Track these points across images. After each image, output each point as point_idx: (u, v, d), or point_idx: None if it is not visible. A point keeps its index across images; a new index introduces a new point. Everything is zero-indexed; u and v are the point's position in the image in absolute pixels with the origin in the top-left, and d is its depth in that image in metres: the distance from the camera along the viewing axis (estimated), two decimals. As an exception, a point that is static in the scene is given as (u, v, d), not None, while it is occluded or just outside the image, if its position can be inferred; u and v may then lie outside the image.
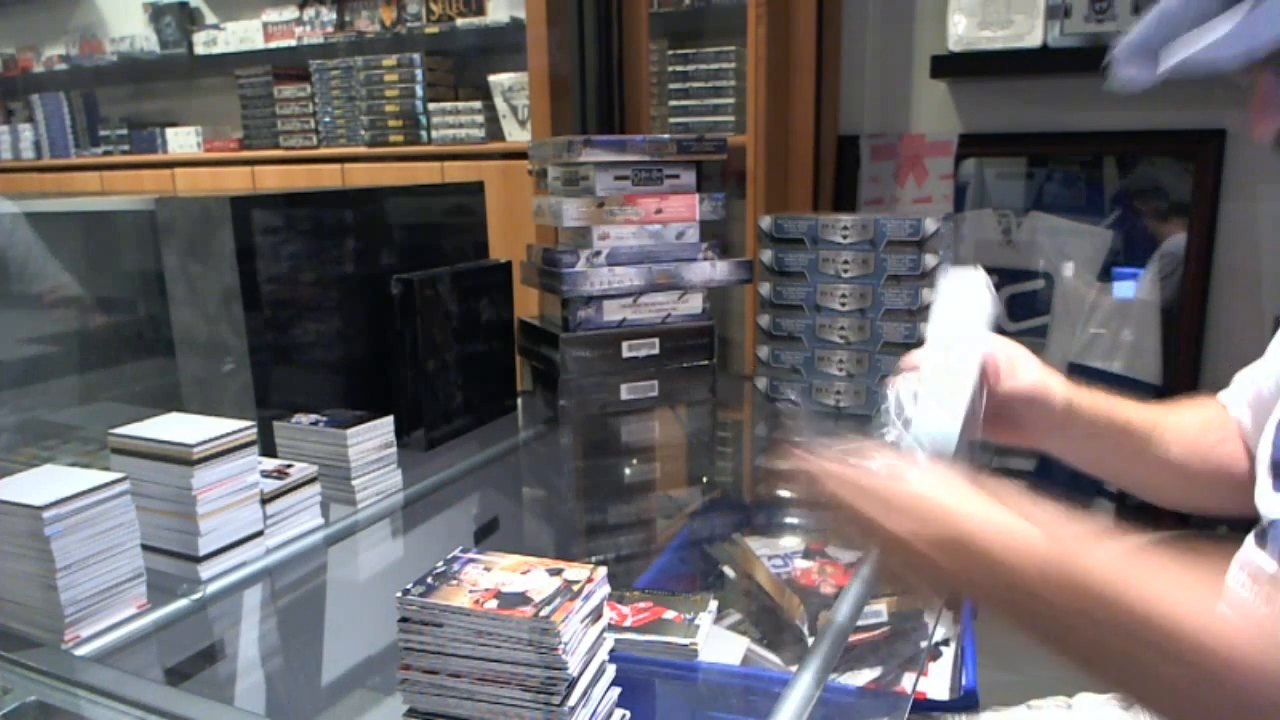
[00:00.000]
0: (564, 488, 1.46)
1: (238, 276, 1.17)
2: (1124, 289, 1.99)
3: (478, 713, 0.61)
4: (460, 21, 2.98)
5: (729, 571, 1.08)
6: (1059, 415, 0.91)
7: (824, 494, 0.76)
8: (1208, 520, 0.92)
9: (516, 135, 2.91)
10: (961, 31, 1.91)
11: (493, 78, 2.92)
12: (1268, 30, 0.64)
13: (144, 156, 3.67)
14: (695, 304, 1.55)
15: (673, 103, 2.53)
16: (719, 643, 0.89)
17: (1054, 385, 0.91)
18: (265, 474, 1.04)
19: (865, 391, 1.49)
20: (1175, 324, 1.94)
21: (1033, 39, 1.86)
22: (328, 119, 3.24)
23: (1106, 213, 2.05)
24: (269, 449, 1.15)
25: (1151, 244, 2.01)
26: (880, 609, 0.95)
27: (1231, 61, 0.68)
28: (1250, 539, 0.77)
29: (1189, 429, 0.93)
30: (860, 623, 0.85)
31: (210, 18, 3.59)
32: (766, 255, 1.53)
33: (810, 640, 0.87)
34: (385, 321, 1.37)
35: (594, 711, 0.64)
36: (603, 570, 0.66)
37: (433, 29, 3.03)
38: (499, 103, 2.93)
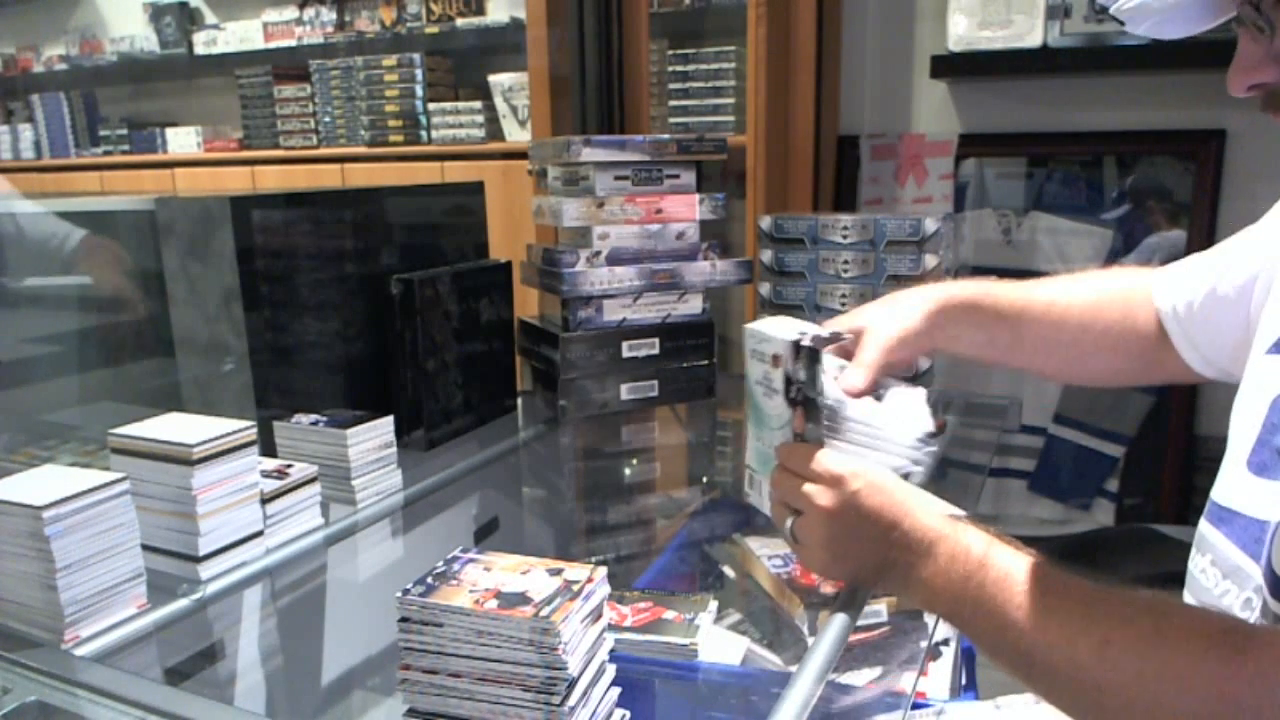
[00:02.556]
0: (564, 488, 1.46)
1: (238, 276, 1.17)
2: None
3: (478, 713, 0.61)
4: (460, 21, 2.98)
5: (729, 571, 1.08)
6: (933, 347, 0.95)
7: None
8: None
9: (516, 135, 2.91)
10: (961, 31, 1.91)
11: (493, 78, 2.92)
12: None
13: (144, 156, 3.67)
14: (695, 304, 1.55)
15: (673, 103, 2.53)
16: (719, 643, 0.89)
17: (911, 343, 0.92)
18: (265, 474, 1.04)
19: (865, 391, 1.49)
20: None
21: (1033, 39, 1.86)
22: (328, 119, 3.24)
23: (1106, 212, 2.05)
24: (269, 449, 1.15)
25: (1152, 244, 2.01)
26: (880, 609, 0.95)
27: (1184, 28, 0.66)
28: (1204, 522, 0.74)
29: (1084, 307, 0.93)
30: (860, 623, 0.85)
31: (210, 18, 3.59)
32: (766, 255, 1.53)
33: (810, 640, 0.87)
34: (385, 321, 1.37)
35: (594, 711, 0.64)
36: (603, 570, 0.66)
37: (433, 29, 3.03)
38: (499, 103, 2.93)
